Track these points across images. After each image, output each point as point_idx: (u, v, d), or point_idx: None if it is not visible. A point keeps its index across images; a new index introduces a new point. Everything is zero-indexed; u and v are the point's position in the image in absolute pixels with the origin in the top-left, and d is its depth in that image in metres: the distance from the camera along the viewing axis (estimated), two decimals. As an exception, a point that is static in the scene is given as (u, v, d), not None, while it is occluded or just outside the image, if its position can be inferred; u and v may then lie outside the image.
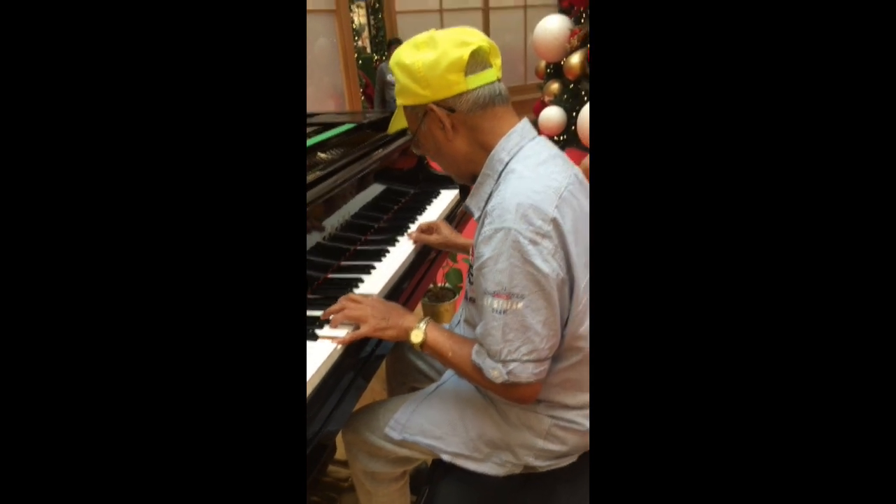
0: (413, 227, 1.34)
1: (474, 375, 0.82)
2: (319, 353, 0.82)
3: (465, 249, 1.18)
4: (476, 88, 0.78)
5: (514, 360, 0.75)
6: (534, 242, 0.71)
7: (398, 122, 0.90)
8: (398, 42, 5.20)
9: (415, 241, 1.24)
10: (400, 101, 0.83)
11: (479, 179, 0.83)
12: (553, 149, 0.82)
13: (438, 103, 0.78)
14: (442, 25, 6.16)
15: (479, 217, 0.81)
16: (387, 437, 0.95)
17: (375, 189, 1.38)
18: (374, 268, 1.12)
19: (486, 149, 0.81)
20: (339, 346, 0.85)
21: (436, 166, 1.72)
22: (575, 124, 4.03)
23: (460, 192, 1.62)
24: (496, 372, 0.76)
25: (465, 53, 0.75)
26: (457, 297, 2.03)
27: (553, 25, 4.34)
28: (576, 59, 4.12)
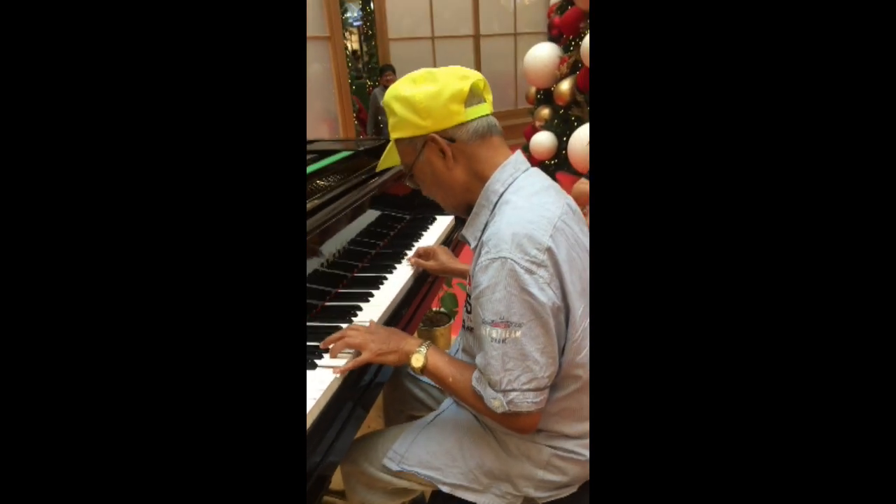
0: (410, 254, 1.34)
1: (475, 402, 0.82)
2: (318, 384, 0.82)
3: (462, 274, 1.19)
4: (475, 119, 0.80)
5: (514, 390, 0.75)
6: (529, 271, 0.71)
7: (389, 160, 0.91)
8: (390, 68, 5.27)
9: (413, 266, 1.24)
10: (396, 135, 0.84)
11: (474, 210, 0.84)
12: (546, 180, 0.84)
13: (440, 133, 0.80)
14: (434, 52, 6.28)
15: (476, 247, 0.82)
16: (385, 468, 0.94)
17: (371, 215, 1.38)
18: (372, 295, 1.12)
19: (481, 179, 0.82)
20: (339, 375, 0.85)
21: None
22: (565, 149, 4.08)
23: (455, 218, 1.63)
24: (497, 402, 0.76)
25: (466, 86, 0.78)
26: (452, 321, 2.03)
27: (543, 53, 4.43)
28: (565, 85, 4.20)
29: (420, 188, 0.89)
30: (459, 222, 1.62)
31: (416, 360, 0.86)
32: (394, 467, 0.93)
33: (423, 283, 1.25)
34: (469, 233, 0.85)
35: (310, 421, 0.76)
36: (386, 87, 5.20)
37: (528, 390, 0.75)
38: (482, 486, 0.89)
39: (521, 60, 7.01)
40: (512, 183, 0.80)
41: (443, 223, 1.59)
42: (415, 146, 0.83)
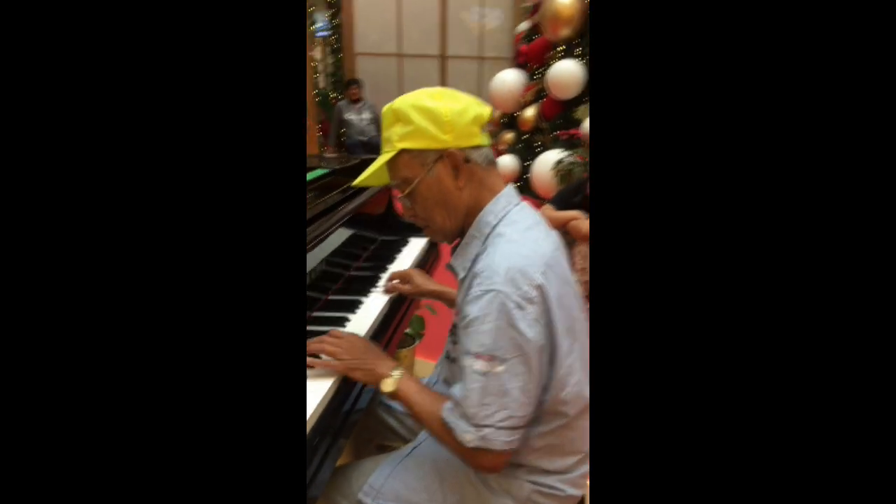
0: (385, 276, 1.32)
1: (442, 435, 0.80)
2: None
3: (439, 297, 1.17)
4: (486, 146, 0.81)
5: (488, 426, 0.74)
6: (520, 307, 0.71)
7: (375, 178, 0.86)
8: (356, 82, 5.25)
9: (388, 293, 1.22)
10: (406, 145, 0.79)
11: (464, 240, 0.83)
12: (536, 215, 0.84)
13: (458, 150, 0.79)
14: (400, 70, 6.29)
15: (464, 278, 0.81)
16: (360, 503, 0.91)
17: (342, 234, 1.35)
18: (348, 320, 1.09)
19: (479, 206, 0.82)
20: (319, 404, 0.81)
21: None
22: (528, 173, 4.17)
23: (429, 241, 1.62)
24: (469, 436, 0.75)
25: (486, 112, 0.80)
26: (417, 342, 2.01)
27: (509, 78, 4.54)
28: (530, 112, 4.31)
29: (413, 207, 0.85)
30: (434, 246, 1.61)
31: (386, 385, 0.84)
32: (369, 502, 0.90)
33: (399, 305, 1.23)
34: (458, 263, 0.84)
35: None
36: (352, 101, 5.19)
37: (503, 428, 0.74)
38: (461, 523, 0.87)
39: (486, 84, 7.18)
40: (504, 216, 0.80)
41: (416, 245, 1.57)
42: (424, 160, 0.79)
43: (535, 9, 4.38)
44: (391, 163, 0.83)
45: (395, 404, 1.12)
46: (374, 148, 4.89)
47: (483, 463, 0.79)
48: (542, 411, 0.79)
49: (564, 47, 3.96)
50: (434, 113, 0.77)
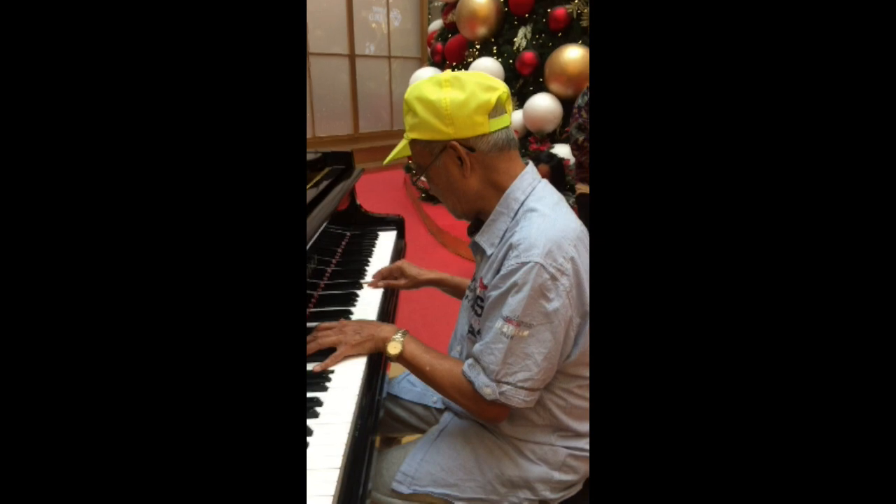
0: (368, 270, 1.30)
1: (451, 391, 0.83)
2: (338, 436, 0.73)
3: (439, 284, 1.18)
4: (496, 131, 0.82)
5: (508, 384, 0.77)
6: (554, 278, 0.75)
7: (402, 153, 0.89)
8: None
9: (382, 287, 1.20)
10: (414, 135, 0.83)
11: (491, 217, 0.85)
12: (557, 192, 0.88)
13: (460, 141, 0.80)
14: (308, 68, 6.10)
15: (493, 253, 0.83)
16: (395, 493, 0.89)
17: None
18: (351, 313, 1.06)
19: (498, 188, 0.84)
20: (349, 421, 0.76)
21: (369, 208, 1.70)
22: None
23: (398, 233, 1.61)
24: (489, 389, 0.78)
25: (493, 98, 0.79)
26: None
27: (426, 76, 4.58)
28: (450, 109, 4.38)
29: (431, 187, 0.90)
30: (402, 237, 1.61)
31: (393, 348, 0.87)
32: (404, 490, 0.89)
33: (389, 297, 1.22)
34: (485, 239, 0.86)
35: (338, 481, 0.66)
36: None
37: (522, 388, 0.78)
38: (500, 496, 0.88)
39: (398, 82, 7.18)
40: (532, 192, 0.83)
41: (387, 238, 1.56)
42: (431, 150, 0.82)
43: (448, 8, 4.46)
44: (410, 146, 0.87)
45: (403, 393, 1.11)
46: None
47: (491, 414, 0.83)
48: (573, 375, 0.84)
49: (479, 46, 4.08)
50: (435, 106, 0.79)
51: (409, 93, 0.82)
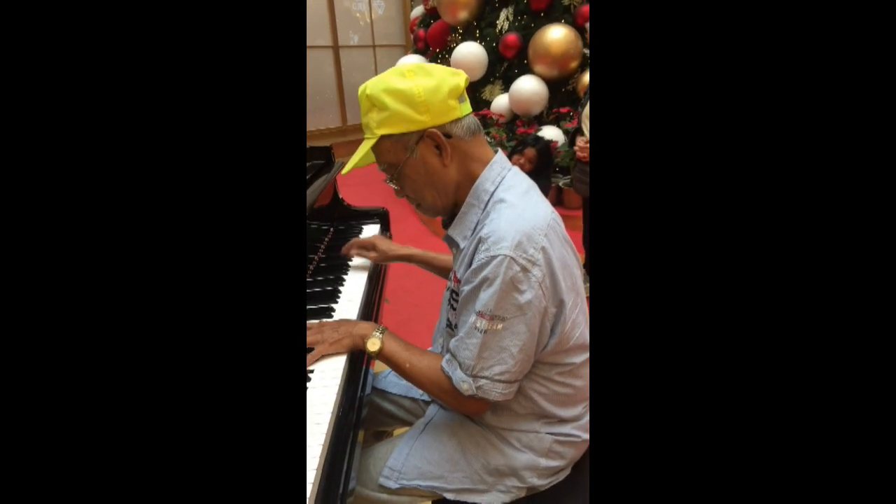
0: (351, 265, 1.29)
1: (431, 387, 0.83)
2: (315, 437, 0.72)
3: (409, 259, 1.18)
4: (466, 115, 0.80)
5: (484, 378, 0.77)
6: (525, 270, 0.73)
7: (365, 160, 0.85)
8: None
9: (354, 256, 1.23)
10: (385, 131, 0.79)
11: (462, 210, 0.84)
12: (527, 179, 0.87)
13: (437, 128, 0.78)
14: (295, 62, 6.05)
15: (465, 247, 0.82)
16: (382, 488, 0.89)
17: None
18: (333, 310, 1.06)
19: (471, 178, 0.82)
20: (330, 419, 0.76)
21: (359, 201, 1.69)
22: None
23: (381, 226, 1.60)
24: (466, 385, 0.78)
25: (461, 81, 0.78)
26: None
27: (412, 62, 4.53)
28: (436, 96, 4.35)
29: (403, 189, 0.85)
30: (387, 230, 1.59)
31: (373, 344, 0.86)
32: (392, 485, 0.89)
33: (375, 284, 1.22)
34: (457, 232, 0.84)
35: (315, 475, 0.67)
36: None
37: (499, 381, 0.77)
38: (487, 486, 0.88)
39: (383, 70, 7.10)
40: (501, 181, 0.82)
41: (371, 231, 1.55)
42: (406, 143, 0.79)
43: (429, -7, 4.40)
44: (375, 148, 0.82)
45: (390, 387, 1.11)
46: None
47: (471, 409, 0.83)
48: (552, 363, 0.83)
49: (462, 30, 4.03)
50: (407, 95, 0.76)
51: (373, 87, 0.78)
